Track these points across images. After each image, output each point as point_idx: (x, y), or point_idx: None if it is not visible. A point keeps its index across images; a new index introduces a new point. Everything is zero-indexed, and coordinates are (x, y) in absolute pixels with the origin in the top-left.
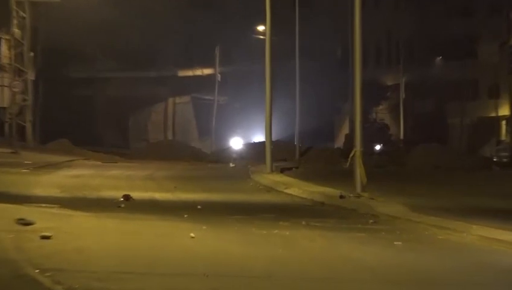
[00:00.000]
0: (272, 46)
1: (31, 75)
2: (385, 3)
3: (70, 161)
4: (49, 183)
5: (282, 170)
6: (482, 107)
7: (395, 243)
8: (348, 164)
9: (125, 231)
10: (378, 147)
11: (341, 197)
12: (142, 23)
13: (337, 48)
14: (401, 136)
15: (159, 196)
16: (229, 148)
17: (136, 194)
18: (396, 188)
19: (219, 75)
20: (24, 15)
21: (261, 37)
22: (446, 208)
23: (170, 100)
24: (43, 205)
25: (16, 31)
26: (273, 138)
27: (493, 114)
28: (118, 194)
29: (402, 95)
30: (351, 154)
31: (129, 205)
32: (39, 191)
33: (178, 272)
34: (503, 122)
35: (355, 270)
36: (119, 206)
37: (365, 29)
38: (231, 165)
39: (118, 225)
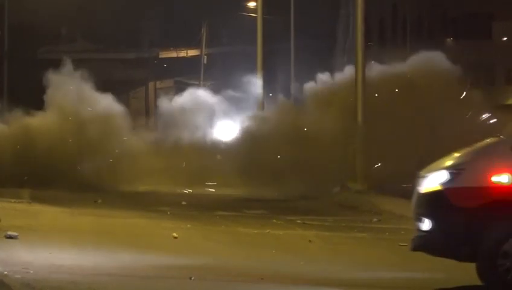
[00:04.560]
0: (264, 25)
1: None
2: None
3: None
4: None
5: None
6: (499, 94)
7: (401, 244)
8: None
9: (101, 230)
10: None
11: (341, 191)
12: None
13: (338, 27)
14: None
15: (141, 189)
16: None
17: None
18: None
19: (205, 56)
20: None
21: (253, 15)
22: None
23: (151, 85)
24: (12, 200)
25: None
26: None
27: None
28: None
29: None
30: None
31: (107, 200)
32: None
33: (160, 274)
34: None
35: (356, 275)
36: (96, 201)
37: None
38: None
39: (93, 223)
